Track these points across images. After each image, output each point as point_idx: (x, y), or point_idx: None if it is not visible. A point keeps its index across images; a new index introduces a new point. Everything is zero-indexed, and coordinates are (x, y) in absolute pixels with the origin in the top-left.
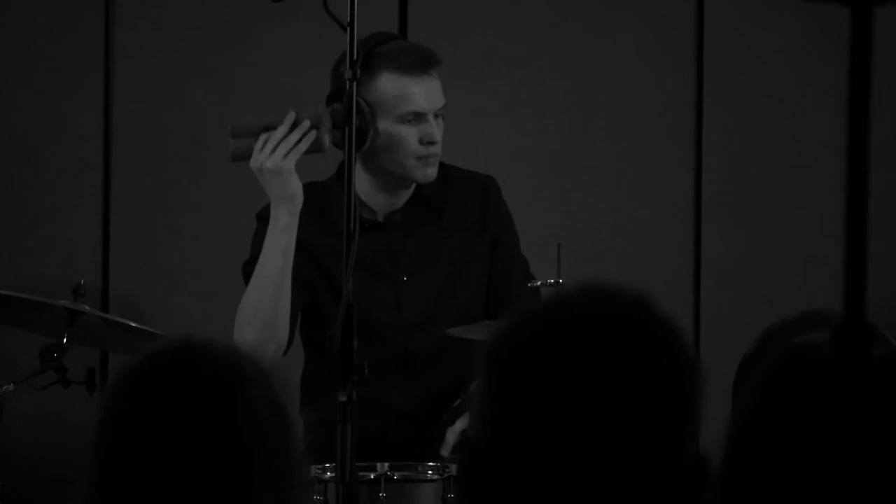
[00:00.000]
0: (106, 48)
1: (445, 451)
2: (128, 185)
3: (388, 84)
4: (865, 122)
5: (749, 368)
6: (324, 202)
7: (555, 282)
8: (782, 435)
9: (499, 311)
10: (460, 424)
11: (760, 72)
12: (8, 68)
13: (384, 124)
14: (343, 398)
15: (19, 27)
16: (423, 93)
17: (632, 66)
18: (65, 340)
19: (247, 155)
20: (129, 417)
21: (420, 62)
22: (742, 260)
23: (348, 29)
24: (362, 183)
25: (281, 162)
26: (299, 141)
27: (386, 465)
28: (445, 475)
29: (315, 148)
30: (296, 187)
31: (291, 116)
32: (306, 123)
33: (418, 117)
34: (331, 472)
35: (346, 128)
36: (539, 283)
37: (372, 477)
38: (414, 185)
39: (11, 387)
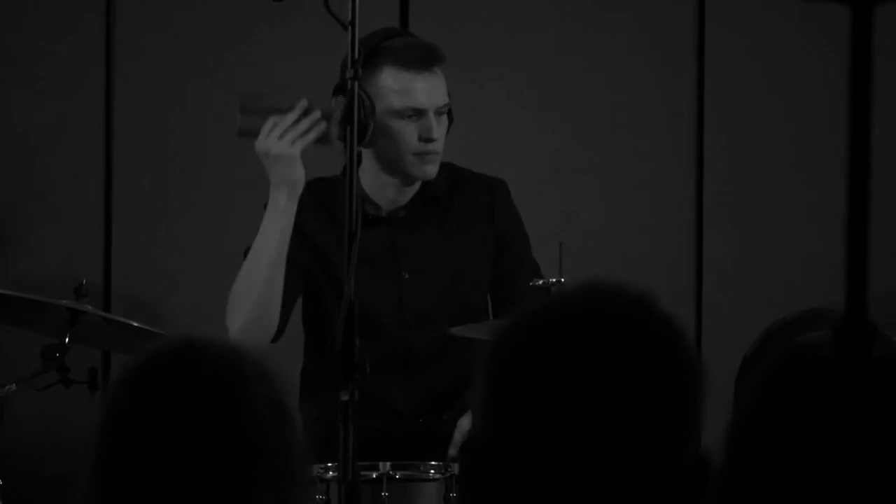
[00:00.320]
0: (107, 48)
1: (453, 450)
2: (129, 185)
3: (390, 79)
4: (866, 121)
5: (750, 367)
6: (330, 198)
7: (556, 281)
8: (782, 434)
9: (504, 310)
10: (467, 422)
11: (761, 71)
12: (9, 68)
13: (384, 118)
14: (345, 397)
15: (20, 27)
16: (425, 89)
17: (633, 65)
18: (66, 340)
19: (253, 132)
20: (131, 417)
21: (423, 58)
22: (743, 259)
23: (350, 28)
24: (370, 177)
25: (288, 148)
26: (308, 130)
27: (388, 464)
28: (448, 474)
29: (323, 140)
30: (298, 173)
31: (304, 104)
32: (317, 113)
33: (419, 113)
34: (333, 472)
35: (348, 125)
36: (542, 282)
37: (374, 476)
38: (420, 183)
39: (13, 387)
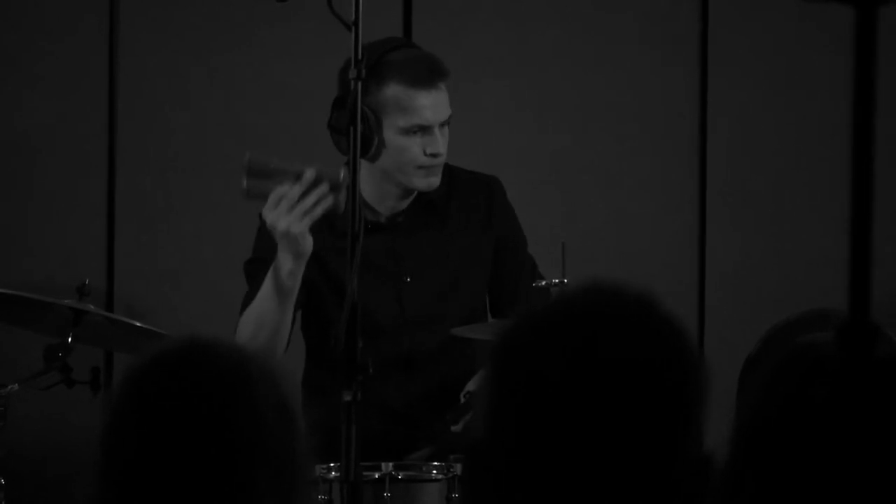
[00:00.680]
0: (110, 48)
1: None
2: (132, 185)
3: (395, 95)
4: (870, 121)
5: (753, 368)
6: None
7: (559, 281)
8: (785, 434)
9: (506, 311)
10: (473, 384)
11: (764, 71)
12: (11, 68)
13: (389, 134)
14: (348, 398)
15: (23, 27)
16: (430, 106)
17: (635, 66)
18: (69, 340)
19: (260, 195)
20: (135, 417)
21: (428, 74)
22: (746, 260)
23: (353, 28)
24: (368, 185)
25: (295, 225)
26: (315, 205)
27: (390, 464)
28: (450, 475)
29: (331, 211)
30: (306, 246)
31: (310, 176)
32: (325, 187)
33: (423, 129)
34: (335, 472)
35: (351, 129)
36: (544, 282)
37: (376, 477)
38: None
39: (16, 386)
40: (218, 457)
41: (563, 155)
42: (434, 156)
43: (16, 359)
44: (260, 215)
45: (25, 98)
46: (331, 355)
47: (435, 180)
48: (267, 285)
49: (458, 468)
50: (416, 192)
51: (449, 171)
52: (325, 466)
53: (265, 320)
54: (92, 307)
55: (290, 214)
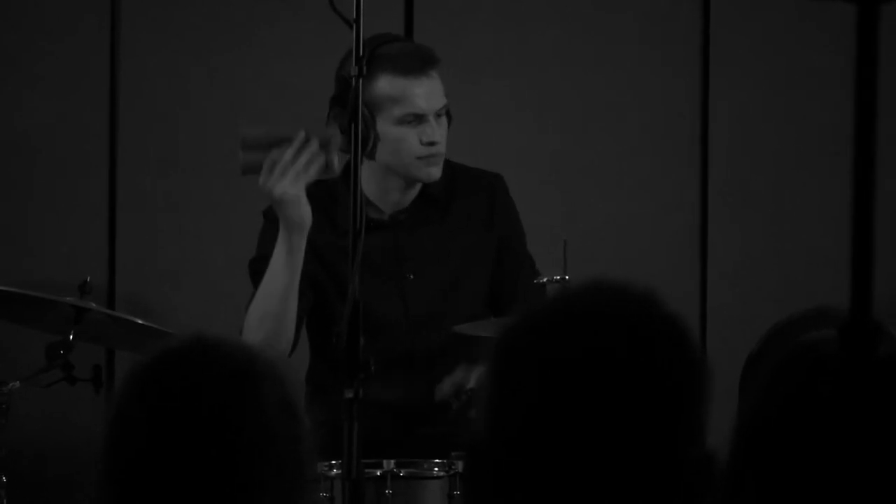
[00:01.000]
0: (111, 47)
1: (439, 394)
2: (133, 183)
3: (387, 86)
4: (872, 121)
5: (755, 366)
6: (330, 202)
7: (561, 279)
8: (788, 432)
9: (506, 309)
10: (459, 375)
11: (766, 70)
12: (12, 68)
13: (385, 126)
14: (349, 395)
15: (23, 27)
16: (423, 94)
17: (636, 65)
18: (71, 338)
19: (256, 169)
20: (140, 416)
21: (418, 63)
22: (748, 258)
23: (354, 26)
24: (369, 182)
25: (291, 188)
26: (308, 165)
27: (392, 462)
28: (451, 472)
29: (324, 172)
30: (304, 212)
31: (301, 137)
32: (315, 145)
33: (418, 118)
34: (337, 469)
35: (352, 127)
36: (545, 279)
37: (378, 474)
38: (420, 184)
39: (17, 384)
40: (223, 456)
41: (563, 155)
42: (431, 144)
43: (17, 356)
44: (263, 214)
45: (26, 98)
46: (333, 353)
47: (435, 171)
48: (269, 272)
49: (459, 465)
50: (419, 187)
51: (451, 168)
52: (326, 464)
53: (269, 310)
54: (93, 305)
55: (285, 178)
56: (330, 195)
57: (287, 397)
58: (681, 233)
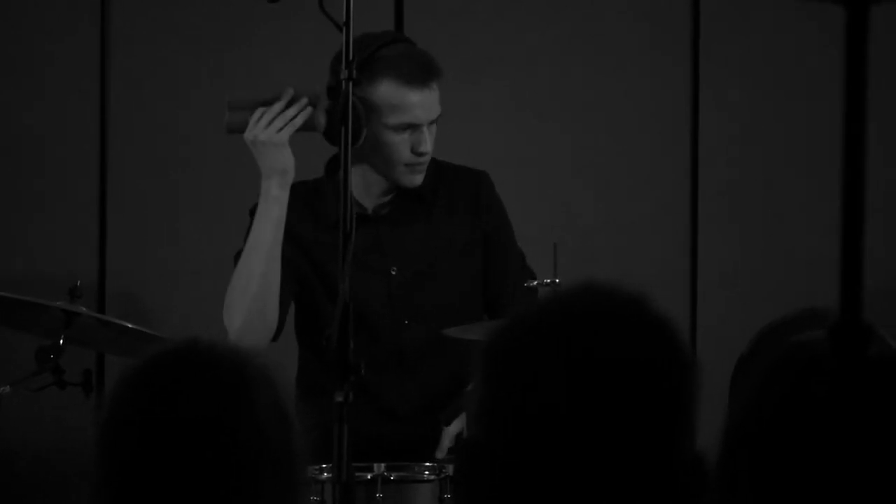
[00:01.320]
0: (102, 46)
1: (440, 454)
2: (124, 185)
3: (388, 92)
4: (862, 121)
5: (745, 367)
6: (314, 198)
7: (551, 281)
8: (782, 432)
9: (496, 304)
10: (456, 427)
11: (756, 71)
12: (3, 67)
13: (377, 129)
14: (340, 398)
15: (15, 26)
16: (421, 105)
17: (628, 65)
18: (61, 342)
19: (241, 128)
20: (134, 419)
21: (422, 73)
22: (738, 259)
23: (344, 29)
24: (355, 178)
25: (275, 135)
26: (295, 116)
27: (382, 465)
28: (442, 476)
29: (310, 126)
30: (288, 160)
31: (289, 92)
32: (304, 100)
33: (413, 127)
34: (327, 473)
35: (342, 128)
36: (536, 282)
37: (368, 477)
38: None
39: (7, 388)
40: (218, 460)
41: (553, 157)
42: (421, 154)
43: (7, 360)
44: (250, 211)
45: (16, 98)
46: (324, 356)
47: (419, 178)
48: (256, 219)
49: (450, 469)
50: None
51: (436, 164)
52: (317, 467)
53: (253, 270)
54: (84, 309)
55: (271, 126)
56: (314, 190)
57: (278, 401)
58: (671, 235)
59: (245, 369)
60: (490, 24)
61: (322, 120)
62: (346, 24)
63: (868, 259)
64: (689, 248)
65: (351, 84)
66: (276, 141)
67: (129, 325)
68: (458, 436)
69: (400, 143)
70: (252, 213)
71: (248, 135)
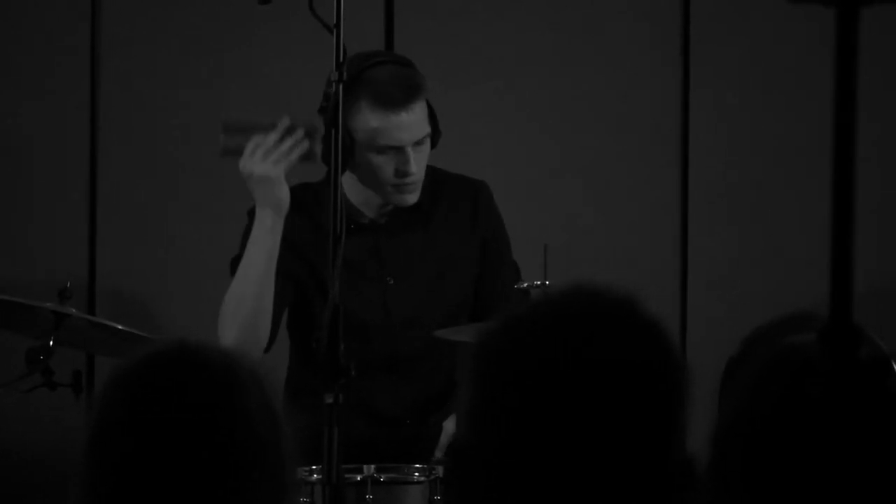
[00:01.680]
0: (92, 47)
1: (439, 453)
2: (114, 187)
3: (368, 115)
4: (851, 121)
5: (736, 369)
6: (314, 204)
7: (542, 283)
8: (776, 433)
9: (486, 314)
10: (453, 425)
11: (747, 72)
12: None
13: (361, 151)
14: (330, 400)
15: (5, 27)
16: (403, 127)
17: (618, 67)
18: (51, 343)
19: (236, 152)
20: (123, 420)
21: (402, 96)
22: (729, 261)
23: (334, 31)
24: (353, 186)
25: (271, 169)
26: (291, 149)
27: (372, 467)
28: (432, 477)
29: (307, 157)
30: (283, 194)
31: (285, 122)
32: (300, 132)
33: (395, 150)
34: (317, 474)
35: (332, 132)
36: (526, 284)
37: (359, 479)
38: None
39: None
40: (208, 461)
41: (545, 157)
42: (405, 175)
43: None
44: (247, 214)
45: (6, 100)
46: (314, 358)
47: (410, 197)
48: (246, 255)
49: (440, 470)
50: None
51: (434, 174)
52: (307, 469)
53: (247, 293)
54: (74, 310)
55: (266, 160)
56: (314, 199)
57: (268, 402)
58: (662, 236)
59: (235, 370)
60: (481, 26)
61: (319, 151)
62: (337, 26)
63: (861, 262)
64: (679, 250)
65: (341, 86)
66: (271, 176)
67: (119, 327)
68: (455, 434)
69: (384, 165)
70: (251, 214)
71: (243, 167)
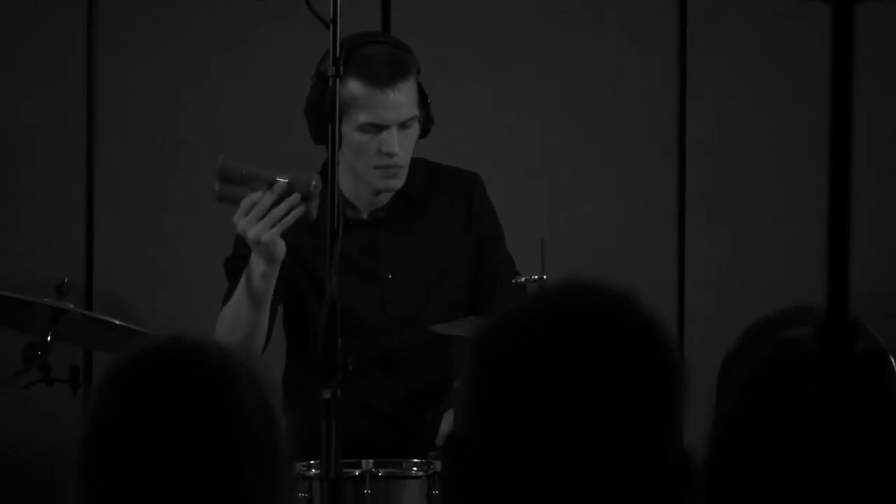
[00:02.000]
0: (89, 45)
1: (441, 441)
2: (111, 183)
3: (354, 91)
4: (848, 119)
5: (732, 365)
6: None
7: (538, 279)
8: (774, 429)
9: (486, 307)
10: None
11: (743, 69)
12: None
13: (347, 129)
14: (327, 395)
15: (2, 26)
16: (388, 106)
17: (615, 64)
18: (49, 339)
19: (232, 200)
20: (119, 416)
21: (389, 73)
22: (725, 257)
23: (331, 26)
24: (347, 181)
25: (264, 233)
26: (287, 213)
27: (371, 461)
28: (430, 472)
29: (303, 220)
30: (277, 251)
31: (282, 185)
32: (296, 197)
33: (379, 129)
34: (315, 469)
35: (329, 126)
36: (523, 279)
37: (357, 474)
38: None
39: None
40: (205, 457)
41: (541, 155)
42: (389, 155)
43: None
44: None
45: (2, 98)
46: (311, 354)
47: (394, 182)
48: (241, 288)
49: (438, 465)
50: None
51: (428, 167)
52: (305, 464)
53: (239, 323)
54: (71, 306)
55: (261, 223)
56: None
57: (264, 398)
58: (659, 232)
59: (231, 366)
60: (476, 21)
61: (315, 213)
62: (334, 21)
63: (858, 262)
64: (676, 246)
65: (338, 82)
66: (264, 240)
67: (117, 322)
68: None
69: (368, 144)
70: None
71: (238, 225)
